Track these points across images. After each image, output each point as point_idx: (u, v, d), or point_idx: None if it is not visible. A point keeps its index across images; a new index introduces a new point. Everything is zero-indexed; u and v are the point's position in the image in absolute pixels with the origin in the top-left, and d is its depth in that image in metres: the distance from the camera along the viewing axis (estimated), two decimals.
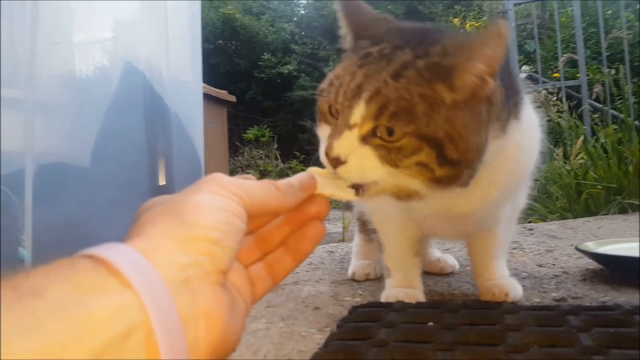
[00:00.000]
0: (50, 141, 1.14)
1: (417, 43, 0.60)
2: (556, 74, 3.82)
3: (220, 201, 0.42)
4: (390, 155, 0.56)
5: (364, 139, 0.56)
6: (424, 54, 0.58)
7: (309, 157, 7.18)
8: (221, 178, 0.45)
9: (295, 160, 6.95)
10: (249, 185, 0.45)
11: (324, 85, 0.62)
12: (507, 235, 0.88)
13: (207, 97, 1.62)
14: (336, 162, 0.56)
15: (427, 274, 1.03)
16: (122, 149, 1.29)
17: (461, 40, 0.60)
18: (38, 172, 1.05)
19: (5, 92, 1.12)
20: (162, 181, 1.37)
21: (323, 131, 0.61)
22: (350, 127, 0.56)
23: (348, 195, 0.57)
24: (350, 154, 0.56)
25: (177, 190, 1.39)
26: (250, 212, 0.44)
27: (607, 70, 3.27)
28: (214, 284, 0.38)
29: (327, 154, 0.57)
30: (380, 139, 0.56)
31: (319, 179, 0.54)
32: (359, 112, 0.56)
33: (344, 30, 0.66)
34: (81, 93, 1.25)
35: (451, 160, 0.57)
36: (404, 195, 0.61)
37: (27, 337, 0.28)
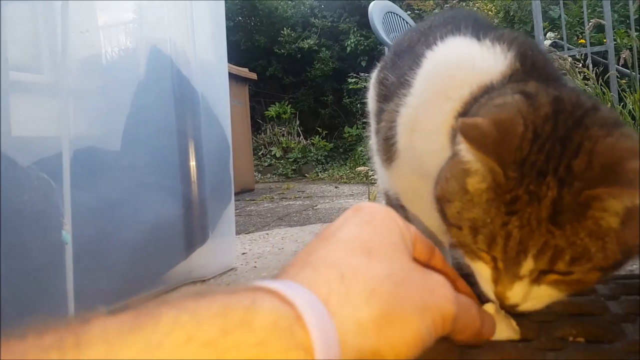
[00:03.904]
0: (80, 126, 1.17)
1: (558, 156, 0.53)
2: (582, 40, 3.72)
3: (430, 338, 0.40)
4: (570, 286, 0.54)
5: (537, 280, 0.54)
6: (569, 179, 0.52)
7: (331, 133, 7.16)
8: (449, 303, 0.43)
9: (317, 137, 6.94)
10: (461, 319, 0.44)
11: (456, 215, 0.57)
12: None
13: (229, 75, 1.63)
14: (513, 307, 0.55)
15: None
16: (153, 133, 1.32)
17: (612, 157, 0.51)
18: (72, 157, 1.08)
19: (38, 78, 1.15)
20: (192, 162, 1.40)
21: (476, 266, 0.58)
22: (520, 277, 0.53)
23: (513, 336, 0.56)
24: (526, 297, 0.54)
25: (206, 170, 1.41)
26: None
27: (636, 34, 3.18)
28: None
29: (501, 302, 0.55)
30: (555, 274, 0.53)
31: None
32: (527, 267, 0.53)
33: (479, 163, 0.55)
34: (107, 77, 1.27)
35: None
36: None
37: None
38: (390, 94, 0.92)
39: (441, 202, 0.60)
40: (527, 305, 0.55)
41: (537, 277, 0.53)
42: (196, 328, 0.30)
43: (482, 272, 0.56)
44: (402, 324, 0.39)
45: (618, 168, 0.49)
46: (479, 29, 0.82)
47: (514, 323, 0.57)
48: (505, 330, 0.55)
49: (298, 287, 0.36)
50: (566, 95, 0.60)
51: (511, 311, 0.55)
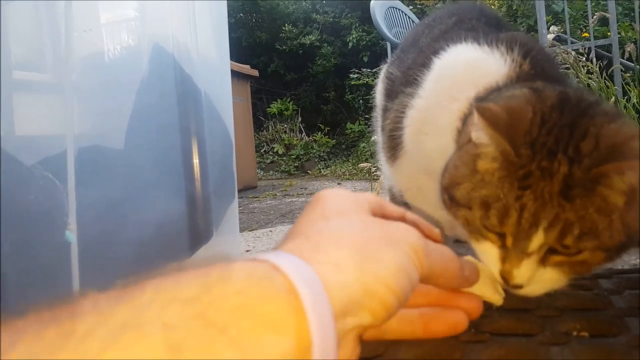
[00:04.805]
0: (83, 125, 1.17)
1: (567, 139, 0.57)
2: (585, 34, 3.71)
3: (410, 267, 0.41)
4: (574, 267, 0.56)
5: (544, 261, 0.56)
6: (578, 157, 0.55)
7: (334, 129, 7.16)
8: (416, 238, 0.44)
9: (319, 133, 6.93)
10: (436, 258, 0.45)
11: (465, 195, 0.59)
12: None
13: (231, 72, 1.64)
14: (516, 287, 0.56)
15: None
16: (156, 131, 1.32)
17: (617, 138, 0.56)
18: (76, 156, 1.08)
19: (42, 77, 1.15)
20: (195, 159, 1.40)
21: (481, 247, 0.59)
22: (528, 255, 0.55)
23: (495, 299, 0.56)
24: (531, 278, 0.56)
25: (209, 167, 1.41)
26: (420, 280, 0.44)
27: None
28: (357, 337, 0.41)
29: (505, 280, 0.56)
30: (561, 255, 0.55)
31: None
32: (537, 241, 0.54)
33: (491, 146, 0.58)
34: (110, 75, 1.27)
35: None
36: None
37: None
38: (395, 89, 0.93)
39: (449, 189, 0.62)
40: (530, 289, 0.56)
41: (544, 258, 0.55)
42: (179, 289, 0.33)
43: (489, 252, 0.58)
44: (378, 256, 0.40)
45: (624, 147, 0.54)
46: (483, 31, 0.85)
47: (499, 288, 0.57)
48: (489, 288, 0.54)
49: (268, 252, 0.39)
50: (571, 91, 0.64)
51: (514, 293, 0.56)
